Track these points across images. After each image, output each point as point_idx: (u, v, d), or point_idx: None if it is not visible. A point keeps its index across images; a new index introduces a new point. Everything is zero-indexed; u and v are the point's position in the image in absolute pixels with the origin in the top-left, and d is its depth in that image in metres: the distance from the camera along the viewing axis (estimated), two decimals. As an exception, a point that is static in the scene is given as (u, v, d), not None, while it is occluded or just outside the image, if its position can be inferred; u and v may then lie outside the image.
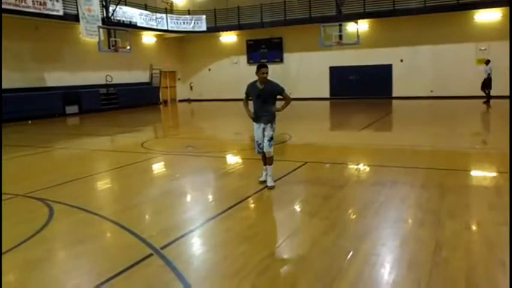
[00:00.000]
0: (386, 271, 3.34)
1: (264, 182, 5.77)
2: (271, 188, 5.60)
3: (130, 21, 21.40)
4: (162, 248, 3.80)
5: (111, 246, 4.17)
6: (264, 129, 5.70)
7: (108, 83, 21.53)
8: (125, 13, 21.18)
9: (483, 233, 4.06)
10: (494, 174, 6.56)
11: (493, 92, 18.37)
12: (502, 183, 5.85)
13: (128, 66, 22.77)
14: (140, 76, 24.14)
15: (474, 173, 6.78)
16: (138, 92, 23.01)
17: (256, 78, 5.66)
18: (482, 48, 20.41)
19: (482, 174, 6.70)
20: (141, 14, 22.10)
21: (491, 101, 17.51)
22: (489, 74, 17.44)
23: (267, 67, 5.57)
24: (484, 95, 17.66)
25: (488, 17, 19.91)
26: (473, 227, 4.22)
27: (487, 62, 17.69)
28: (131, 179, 6.90)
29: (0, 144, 8.10)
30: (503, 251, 3.58)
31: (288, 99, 5.68)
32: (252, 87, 5.79)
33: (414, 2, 20.45)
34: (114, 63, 21.76)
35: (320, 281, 3.16)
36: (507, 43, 19.68)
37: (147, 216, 5.16)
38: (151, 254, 3.70)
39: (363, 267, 3.35)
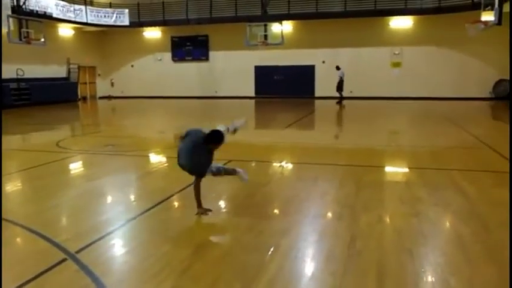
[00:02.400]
0: (305, 265, 3.45)
1: None
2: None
3: (44, 12, 20.03)
4: (77, 252, 3.59)
5: (19, 252, 3.86)
6: None
7: (19, 77, 19.99)
8: (39, 2, 19.78)
9: (394, 224, 4.34)
10: (406, 170, 7.06)
11: (405, 91, 19.82)
12: (412, 178, 6.31)
13: (42, 59, 21.32)
14: (56, 71, 22.70)
15: (388, 169, 7.23)
16: (53, 88, 21.61)
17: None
18: (396, 52, 21.88)
19: (395, 170, 7.18)
20: (57, 5, 20.76)
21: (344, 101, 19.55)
22: (341, 78, 19.34)
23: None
24: (338, 96, 19.57)
25: (401, 23, 21.41)
26: (386, 219, 4.49)
27: (338, 67, 19.63)
28: (44, 180, 6.45)
29: (0, 141, 7.27)
30: (411, 241, 3.87)
31: None
32: None
33: (336, 6, 21.36)
34: (26, 56, 20.24)
35: (241, 277, 3.18)
36: (417, 48, 21.37)
37: (61, 219, 4.86)
38: (65, 259, 3.48)
39: (283, 262, 3.43)
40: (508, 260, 3.42)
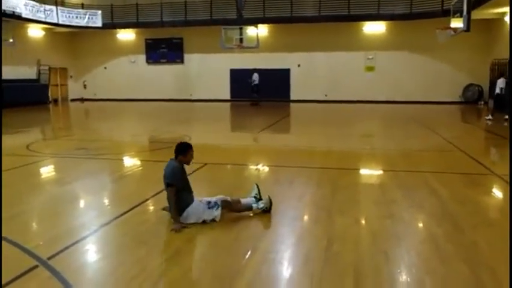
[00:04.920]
0: (282, 267, 3.45)
1: None
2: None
3: (13, 11, 19.46)
4: (49, 258, 3.49)
5: (-13, 260, 3.72)
6: None
7: (-14, 78, 19.35)
8: (7, 2, 19.18)
9: (369, 226, 4.39)
10: (380, 172, 7.16)
11: (378, 95, 20.20)
12: (385, 181, 6.42)
13: (11, 60, 20.63)
14: (26, 72, 22.08)
15: (363, 171, 7.33)
16: (23, 90, 20.98)
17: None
18: (370, 57, 22.25)
19: (370, 173, 7.27)
20: (26, 5, 20.18)
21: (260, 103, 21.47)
22: (254, 81, 21.65)
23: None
24: (254, 99, 21.66)
25: (374, 29, 21.81)
26: (361, 222, 4.54)
27: (253, 72, 21.67)
28: (14, 185, 6.25)
29: (0, 140, 6.95)
30: (385, 242, 3.92)
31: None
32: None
33: (310, 10, 21.58)
34: (-6, 57, 19.63)
35: (219, 281, 3.16)
36: (389, 53, 21.79)
37: (32, 225, 4.71)
38: (36, 266, 3.38)
39: (260, 265, 3.42)
40: (478, 259, 3.51)
